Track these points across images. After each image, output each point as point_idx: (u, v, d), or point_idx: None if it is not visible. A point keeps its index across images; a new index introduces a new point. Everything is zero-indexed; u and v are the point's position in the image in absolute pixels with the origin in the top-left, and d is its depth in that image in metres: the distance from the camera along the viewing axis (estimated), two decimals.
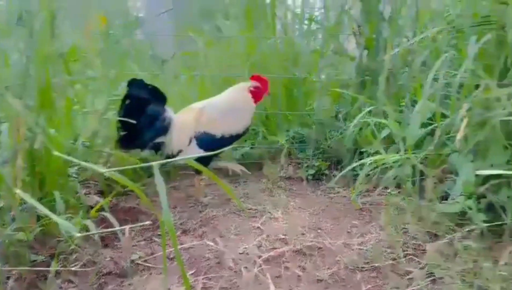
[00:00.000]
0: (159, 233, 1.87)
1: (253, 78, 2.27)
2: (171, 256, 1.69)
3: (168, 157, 2.22)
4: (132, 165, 1.07)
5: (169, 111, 2.23)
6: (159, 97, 2.18)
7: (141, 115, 2.11)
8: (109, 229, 1.71)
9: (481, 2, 1.93)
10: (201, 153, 2.17)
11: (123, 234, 1.77)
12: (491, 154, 1.73)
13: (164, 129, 2.18)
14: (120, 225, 1.72)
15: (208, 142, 2.18)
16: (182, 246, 1.77)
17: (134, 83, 2.10)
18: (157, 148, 2.21)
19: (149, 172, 2.30)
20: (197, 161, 2.18)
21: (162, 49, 3.17)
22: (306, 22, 2.84)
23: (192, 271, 1.60)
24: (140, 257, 1.68)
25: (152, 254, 1.71)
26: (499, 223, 1.67)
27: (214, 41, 3.12)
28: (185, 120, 2.23)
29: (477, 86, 1.76)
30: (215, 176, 1.06)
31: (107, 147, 2.22)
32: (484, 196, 1.73)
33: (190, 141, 2.19)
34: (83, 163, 1.07)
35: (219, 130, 2.20)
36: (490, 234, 1.70)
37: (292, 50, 2.72)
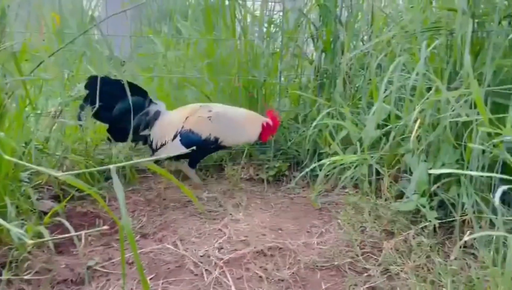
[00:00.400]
0: (117, 237, 1.82)
1: (269, 113, 2.31)
2: (130, 261, 1.65)
3: (152, 150, 2.28)
4: (88, 169, 1.04)
5: (156, 106, 2.28)
6: (138, 92, 2.23)
7: (120, 108, 2.18)
8: (64, 235, 1.65)
9: (431, 9, 2.01)
10: (183, 150, 2.18)
11: (79, 239, 1.72)
12: (442, 153, 1.81)
13: (149, 123, 2.24)
14: (76, 231, 1.66)
15: (192, 141, 2.19)
16: (142, 250, 1.74)
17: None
18: (146, 141, 2.28)
19: (107, 175, 2.25)
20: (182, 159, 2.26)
21: (120, 50, 3.10)
22: (265, 24, 2.86)
23: (152, 276, 1.57)
24: (97, 263, 1.63)
25: (110, 259, 1.67)
26: (450, 219, 1.75)
27: (173, 42, 3.09)
28: (176, 116, 2.26)
29: (429, 89, 1.84)
30: (175, 179, 1.05)
31: (60, 150, 2.14)
32: (436, 194, 1.81)
33: (175, 137, 2.20)
34: (36, 167, 1.02)
35: (205, 131, 2.21)
36: (442, 230, 1.79)
37: (252, 52, 2.73)
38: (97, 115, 2.18)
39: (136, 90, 2.24)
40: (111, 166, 0.84)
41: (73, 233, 1.57)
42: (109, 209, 0.94)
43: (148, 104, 2.28)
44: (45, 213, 1.75)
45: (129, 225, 0.86)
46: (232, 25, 2.74)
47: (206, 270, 1.61)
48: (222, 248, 1.76)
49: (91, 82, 2.14)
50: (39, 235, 1.54)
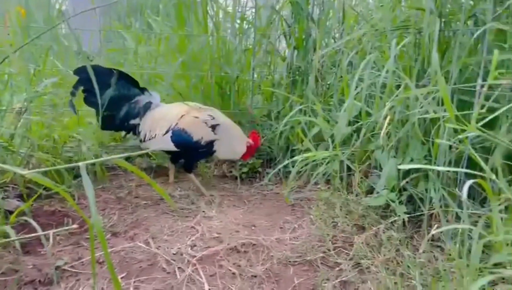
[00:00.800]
0: (87, 236, 1.78)
1: (252, 135, 2.34)
2: (101, 260, 1.62)
3: (140, 141, 2.28)
4: (55, 166, 1.01)
5: (150, 96, 2.28)
6: (128, 81, 2.24)
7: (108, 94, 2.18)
8: (31, 235, 1.61)
9: (400, 8, 2.05)
10: (171, 146, 2.19)
11: (47, 239, 1.67)
12: (411, 149, 1.85)
13: (138, 112, 2.25)
14: (44, 230, 1.62)
15: (183, 140, 2.19)
16: (113, 249, 1.71)
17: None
18: (135, 131, 2.29)
19: (76, 173, 2.20)
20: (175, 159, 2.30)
21: (88, 45, 3.03)
22: (238, 21, 2.85)
23: (123, 275, 1.55)
24: (66, 263, 1.59)
25: (79, 259, 1.63)
26: (418, 213, 1.79)
27: (144, 38, 3.04)
28: (171, 111, 2.25)
29: (398, 86, 1.88)
30: (147, 176, 1.04)
31: (26, 148, 2.08)
32: (405, 189, 1.86)
33: (167, 132, 2.19)
34: (1, 165, 0.99)
35: (198, 134, 2.20)
36: (411, 224, 1.83)
37: (224, 48, 2.72)
38: (86, 100, 2.21)
39: (127, 79, 2.26)
40: (80, 164, 0.82)
41: (40, 232, 1.52)
42: (78, 207, 0.92)
43: (139, 94, 2.28)
44: (11, 212, 1.70)
45: (99, 224, 0.84)
46: (204, 20, 2.72)
47: (178, 268, 1.60)
48: (195, 245, 1.75)
49: (80, 70, 2.15)
50: (5, 235, 1.50)
